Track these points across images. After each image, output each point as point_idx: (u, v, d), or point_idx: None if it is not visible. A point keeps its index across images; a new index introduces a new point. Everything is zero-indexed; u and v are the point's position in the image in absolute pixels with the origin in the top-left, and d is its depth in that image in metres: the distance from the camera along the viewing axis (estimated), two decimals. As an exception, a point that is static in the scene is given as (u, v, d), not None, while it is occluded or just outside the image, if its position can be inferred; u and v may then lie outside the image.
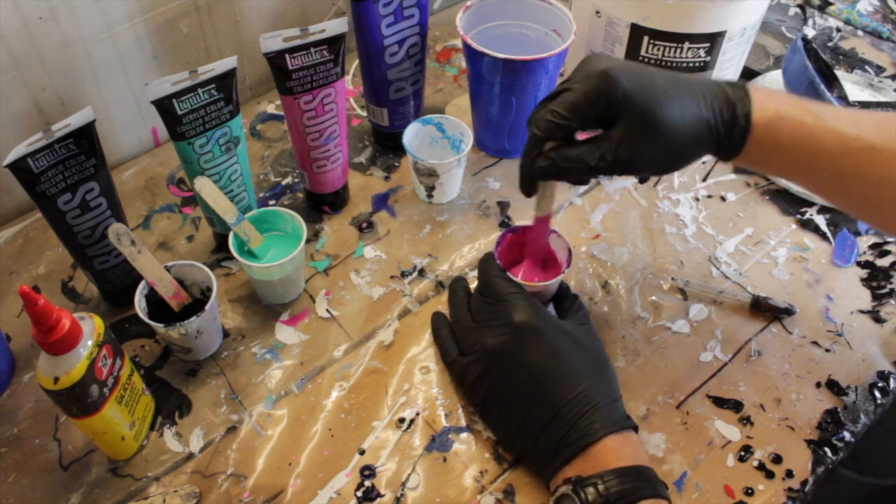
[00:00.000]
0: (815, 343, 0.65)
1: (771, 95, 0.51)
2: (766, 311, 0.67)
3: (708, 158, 0.80)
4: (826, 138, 0.50)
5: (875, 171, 0.50)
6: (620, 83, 0.49)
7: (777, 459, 0.58)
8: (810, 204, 0.75)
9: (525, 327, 0.55)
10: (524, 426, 0.54)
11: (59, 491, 0.55)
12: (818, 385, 0.62)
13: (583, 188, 0.77)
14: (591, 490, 0.48)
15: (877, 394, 0.62)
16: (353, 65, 0.90)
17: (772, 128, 0.50)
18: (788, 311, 0.66)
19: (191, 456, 0.58)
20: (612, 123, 0.51)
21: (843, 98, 0.81)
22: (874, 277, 0.70)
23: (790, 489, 0.56)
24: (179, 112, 0.58)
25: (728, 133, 0.51)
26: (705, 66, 0.72)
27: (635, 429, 0.53)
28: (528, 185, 0.56)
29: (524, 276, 0.62)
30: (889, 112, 0.52)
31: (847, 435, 0.59)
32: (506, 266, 0.60)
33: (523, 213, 0.75)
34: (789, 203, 0.76)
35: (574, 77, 0.52)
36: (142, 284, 0.59)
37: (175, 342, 0.60)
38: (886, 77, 0.90)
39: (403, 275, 0.69)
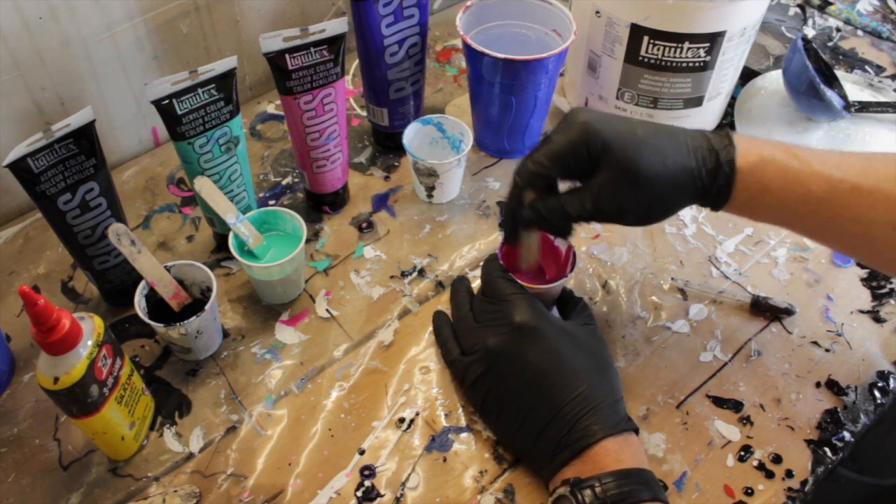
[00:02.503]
0: (815, 343, 0.65)
1: (755, 142, 0.52)
2: (766, 311, 0.67)
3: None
4: (812, 181, 0.50)
5: (864, 213, 0.50)
6: (600, 133, 0.50)
7: (777, 459, 0.58)
8: (810, 204, 0.75)
9: (526, 328, 0.55)
10: (524, 426, 0.54)
11: (59, 491, 0.55)
12: (818, 385, 0.62)
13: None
14: (588, 492, 0.48)
15: (877, 394, 0.62)
16: (353, 65, 0.90)
17: (757, 173, 0.51)
18: (788, 311, 0.66)
19: (191, 456, 0.58)
20: (590, 173, 0.52)
21: (843, 98, 0.81)
22: (874, 277, 0.70)
23: (790, 489, 0.56)
24: (179, 112, 0.58)
25: (712, 180, 0.51)
26: (705, 66, 0.72)
27: (636, 431, 0.53)
28: (512, 236, 0.58)
29: (527, 278, 0.62)
30: (873, 153, 0.52)
31: (847, 435, 0.59)
32: (508, 267, 0.60)
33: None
34: (789, 203, 0.76)
35: (556, 129, 0.53)
36: (142, 284, 0.59)
37: (175, 342, 0.60)
38: (886, 77, 0.90)
39: (403, 275, 0.69)
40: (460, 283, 0.65)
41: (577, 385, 0.53)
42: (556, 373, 0.53)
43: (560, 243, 0.63)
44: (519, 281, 0.59)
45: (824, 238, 0.55)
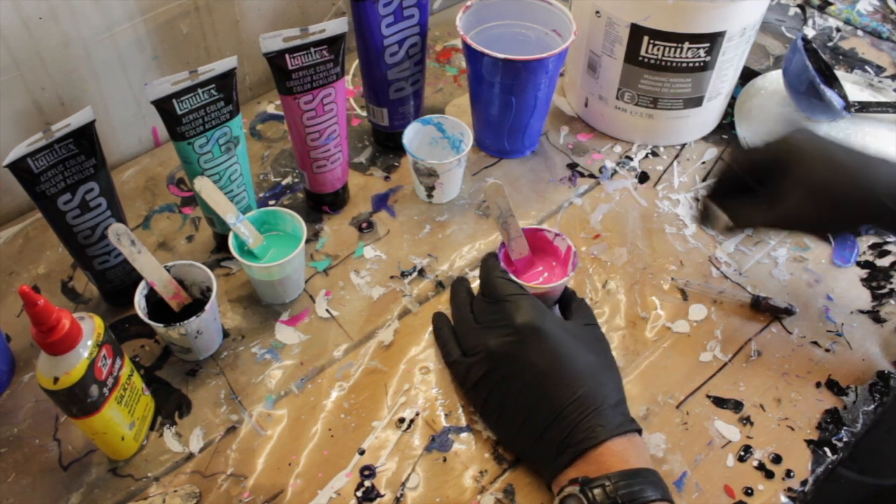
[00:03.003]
0: (815, 343, 0.65)
1: None
2: (765, 311, 0.67)
3: (708, 158, 0.80)
4: None
5: None
6: (801, 148, 0.53)
7: (777, 459, 0.58)
8: (810, 204, 0.75)
9: (527, 328, 0.55)
10: (525, 427, 0.54)
11: (59, 491, 0.55)
12: (818, 385, 0.62)
13: (583, 188, 0.77)
14: (598, 491, 0.48)
15: (877, 394, 0.62)
16: (353, 65, 0.90)
17: None
18: (788, 311, 0.66)
19: (191, 456, 0.58)
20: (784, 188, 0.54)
21: (843, 98, 0.81)
22: (874, 277, 0.70)
23: (790, 489, 0.56)
24: (179, 112, 0.58)
25: None
26: (705, 66, 0.72)
27: (639, 431, 0.53)
28: (705, 214, 0.60)
29: (527, 278, 0.62)
30: None
31: (847, 435, 0.59)
32: (508, 267, 0.60)
33: (523, 214, 0.75)
34: (789, 203, 0.76)
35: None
36: (142, 284, 0.59)
37: (175, 342, 0.60)
38: (886, 77, 0.90)
39: (403, 275, 0.69)
40: (460, 283, 0.65)
41: (579, 386, 0.53)
42: (558, 373, 0.53)
43: (560, 243, 0.63)
44: (519, 281, 0.59)
45: None
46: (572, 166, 0.79)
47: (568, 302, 0.63)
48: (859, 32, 0.97)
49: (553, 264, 0.64)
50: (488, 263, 0.61)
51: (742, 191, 0.57)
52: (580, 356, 0.55)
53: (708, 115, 0.79)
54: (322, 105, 0.65)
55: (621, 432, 0.51)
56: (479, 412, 0.59)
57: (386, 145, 0.81)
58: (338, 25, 0.62)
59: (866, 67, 0.91)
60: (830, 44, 0.95)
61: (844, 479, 0.91)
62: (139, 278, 0.59)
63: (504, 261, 0.60)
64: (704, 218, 0.60)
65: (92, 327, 0.50)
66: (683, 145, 0.81)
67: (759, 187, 0.56)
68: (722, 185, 0.59)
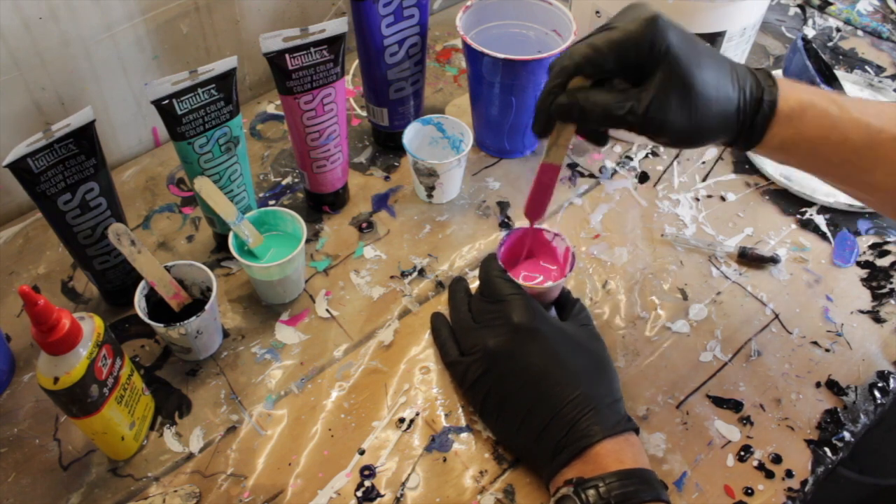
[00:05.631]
0: (815, 343, 0.65)
1: (795, 86, 0.50)
2: (752, 260, 0.69)
3: (708, 158, 0.80)
4: (851, 129, 0.49)
5: None
6: (668, 34, 0.46)
7: (777, 459, 0.58)
8: (810, 204, 0.75)
9: (524, 328, 0.55)
10: (524, 427, 0.54)
11: (59, 491, 0.55)
12: (818, 385, 0.62)
13: (583, 188, 0.77)
14: (591, 492, 0.48)
15: (877, 394, 0.62)
16: (353, 65, 0.90)
17: (794, 117, 0.49)
18: (774, 260, 0.69)
19: (191, 456, 0.58)
20: (644, 78, 0.47)
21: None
22: (874, 277, 0.70)
23: (790, 489, 0.56)
24: (179, 112, 0.58)
25: (752, 117, 0.49)
26: (705, 66, 0.72)
27: (636, 430, 0.53)
28: (543, 125, 0.51)
29: (526, 278, 0.62)
30: None
31: (847, 435, 0.59)
32: (508, 268, 0.60)
33: (523, 214, 0.74)
34: (789, 203, 0.76)
35: (618, 19, 0.49)
36: (142, 284, 0.59)
37: (175, 342, 0.60)
38: (886, 77, 0.90)
39: (403, 275, 0.69)
40: (458, 283, 0.65)
41: (576, 386, 0.53)
42: (555, 374, 0.53)
43: (558, 244, 0.63)
44: (518, 281, 0.59)
45: (854, 186, 0.53)
46: (572, 166, 0.79)
47: (565, 303, 0.63)
48: (859, 32, 0.97)
49: (551, 265, 0.64)
50: (487, 263, 0.61)
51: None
52: (577, 356, 0.55)
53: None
54: (322, 105, 0.65)
55: (618, 432, 0.51)
56: (477, 412, 0.59)
57: (386, 145, 0.81)
58: (338, 25, 0.62)
59: (866, 67, 0.91)
60: (830, 44, 0.95)
61: (844, 479, 0.91)
62: (139, 278, 0.59)
63: (503, 260, 0.60)
64: (545, 126, 0.51)
65: (92, 327, 0.50)
66: (683, 145, 0.81)
67: (619, 77, 0.49)
68: (566, 74, 0.49)
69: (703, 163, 0.79)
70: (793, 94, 0.50)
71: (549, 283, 0.61)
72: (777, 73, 0.85)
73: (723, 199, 0.76)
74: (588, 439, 0.50)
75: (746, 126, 0.50)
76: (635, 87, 0.48)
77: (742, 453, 0.58)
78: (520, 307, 0.56)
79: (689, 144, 0.50)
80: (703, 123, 0.48)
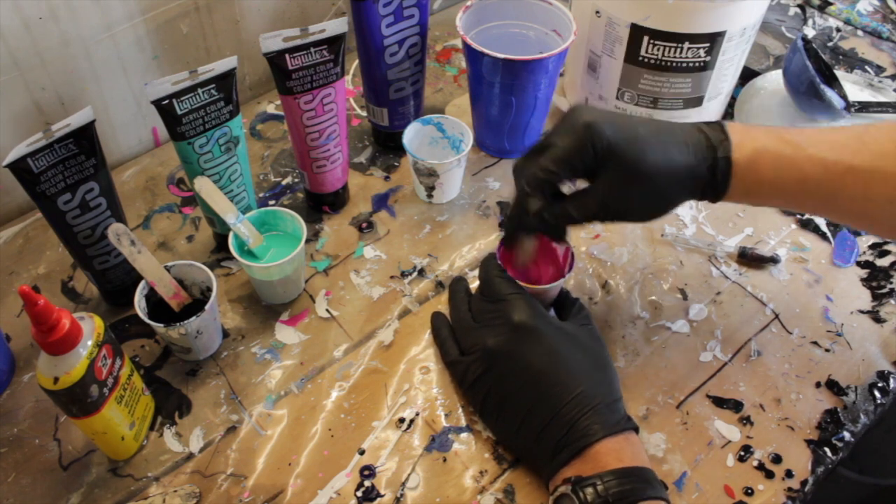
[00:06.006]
0: (815, 343, 0.65)
1: (748, 131, 0.53)
2: (752, 260, 0.69)
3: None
4: (807, 165, 0.51)
5: (860, 192, 0.51)
6: (604, 134, 0.50)
7: (777, 459, 0.58)
8: (810, 204, 0.75)
9: (524, 328, 0.55)
10: (523, 427, 0.54)
11: (59, 491, 0.55)
12: (818, 385, 0.62)
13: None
14: (590, 490, 0.48)
15: (877, 394, 0.62)
16: (353, 65, 0.90)
17: (752, 165, 0.52)
18: (774, 260, 0.69)
19: (191, 456, 0.58)
20: (596, 173, 0.52)
21: (843, 98, 0.81)
22: (874, 277, 0.70)
23: (790, 489, 0.56)
24: (179, 112, 0.58)
25: (711, 176, 0.52)
26: (705, 66, 0.72)
27: (636, 430, 0.53)
28: (511, 240, 0.58)
29: (526, 278, 0.62)
30: (866, 125, 0.53)
31: (847, 435, 0.59)
32: (507, 267, 0.60)
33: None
34: (789, 203, 0.76)
35: (557, 130, 0.53)
36: (142, 284, 0.59)
37: (175, 342, 0.60)
38: (886, 77, 0.90)
39: (403, 275, 0.69)
40: (458, 283, 0.65)
41: (575, 385, 0.53)
42: (555, 373, 0.54)
43: (561, 248, 0.63)
44: (517, 281, 0.59)
45: (824, 214, 0.57)
46: (572, 166, 0.79)
47: (564, 302, 0.63)
48: (859, 32, 0.97)
49: (551, 264, 0.64)
50: (487, 262, 0.61)
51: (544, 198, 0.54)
52: (577, 356, 0.55)
53: (708, 115, 0.79)
54: (322, 105, 0.65)
55: (617, 431, 0.51)
56: (477, 412, 0.59)
57: (386, 145, 0.81)
58: (338, 25, 0.62)
59: (866, 67, 0.91)
60: (830, 44, 0.95)
61: (844, 479, 0.91)
62: (139, 278, 0.59)
63: (502, 260, 0.60)
64: (516, 246, 0.58)
65: (92, 327, 0.50)
66: (683, 145, 0.81)
67: (576, 178, 0.54)
68: (526, 199, 0.54)
69: (703, 163, 0.79)
70: (746, 142, 0.52)
71: (549, 284, 0.61)
72: (777, 73, 0.85)
73: (723, 199, 0.76)
74: (587, 438, 0.51)
75: (708, 184, 0.53)
76: (591, 186, 0.53)
77: (742, 453, 0.58)
78: (519, 307, 0.56)
79: (656, 216, 0.54)
80: (663, 198, 0.53)
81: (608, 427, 0.51)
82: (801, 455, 0.58)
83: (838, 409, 0.61)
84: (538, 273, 0.63)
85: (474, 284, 0.66)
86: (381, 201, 0.76)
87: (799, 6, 1.00)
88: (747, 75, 0.85)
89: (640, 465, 0.50)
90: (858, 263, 0.71)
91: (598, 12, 0.72)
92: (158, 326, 0.57)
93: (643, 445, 0.55)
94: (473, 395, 0.58)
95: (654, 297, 0.68)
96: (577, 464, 0.51)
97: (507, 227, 0.58)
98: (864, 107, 0.81)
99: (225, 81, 0.59)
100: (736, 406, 0.61)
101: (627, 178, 0.51)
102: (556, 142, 0.52)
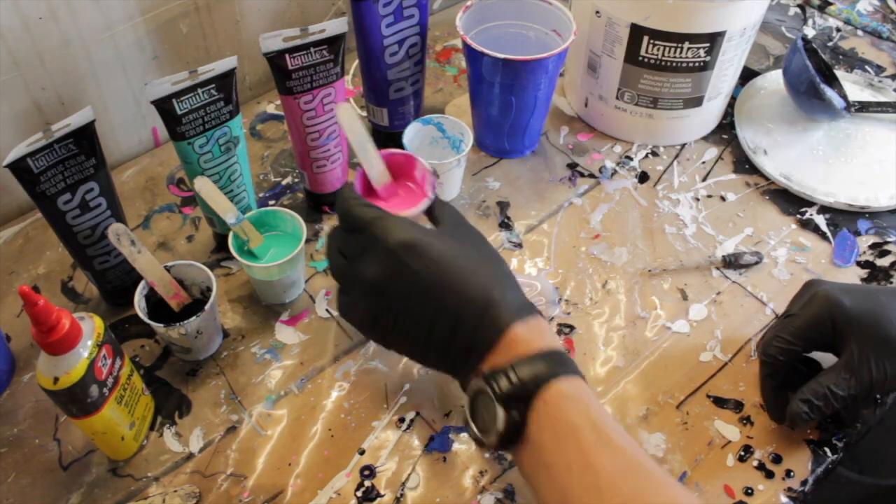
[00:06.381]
0: (815, 343, 0.65)
1: None
2: (738, 268, 0.70)
3: (708, 158, 0.80)
4: None
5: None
6: (842, 305, 0.55)
7: (777, 459, 0.58)
8: (810, 204, 0.75)
9: (401, 247, 0.50)
10: (431, 342, 0.50)
11: (59, 491, 0.55)
12: (818, 385, 0.62)
13: (583, 188, 0.77)
14: (503, 380, 0.45)
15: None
16: (353, 65, 0.90)
17: None
18: (758, 259, 0.70)
19: (190, 456, 0.58)
20: (838, 345, 0.56)
21: (843, 98, 0.81)
22: (874, 277, 0.70)
23: (790, 489, 0.56)
24: (179, 112, 0.58)
25: None
26: (705, 66, 0.72)
27: (539, 314, 0.50)
28: (777, 413, 0.60)
29: (388, 206, 0.56)
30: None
31: (847, 435, 0.59)
32: (366, 194, 0.56)
33: (523, 214, 0.74)
34: (789, 203, 0.76)
35: (796, 303, 0.59)
36: (142, 284, 0.59)
37: (175, 342, 0.60)
38: (886, 77, 0.90)
39: (403, 275, 0.69)
40: (329, 237, 0.57)
41: (468, 285, 0.49)
42: (446, 280, 0.50)
43: (419, 171, 0.60)
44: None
45: None
46: (572, 166, 0.79)
47: (431, 213, 0.57)
48: (859, 32, 0.97)
49: (411, 187, 0.60)
50: (342, 193, 0.54)
51: (793, 372, 0.59)
52: (461, 256, 0.51)
53: (708, 115, 0.79)
54: (322, 105, 0.65)
55: (521, 317, 0.48)
56: (388, 347, 0.54)
57: (386, 145, 0.81)
58: (338, 25, 0.62)
59: (866, 67, 0.91)
60: (830, 44, 0.95)
61: (844, 479, 0.91)
62: (139, 278, 0.59)
63: (363, 192, 0.58)
64: (783, 415, 0.59)
65: (92, 327, 0.50)
66: (683, 145, 0.81)
67: (814, 350, 0.59)
68: (776, 373, 0.60)
69: (703, 163, 0.79)
70: None
71: (413, 209, 0.56)
72: (777, 73, 0.85)
73: (723, 198, 0.76)
74: (496, 330, 0.48)
75: None
76: (842, 361, 0.56)
77: (742, 453, 0.58)
78: (389, 227, 0.51)
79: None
80: None
81: (511, 314, 0.48)
82: (801, 455, 0.58)
83: (838, 410, 0.61)
84: (400, 203, 0.60)
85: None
86: (381, 201, 0.76)
87: (799, 6, 1.00)
88: (747, 75, 0.85)
89: (552, 348, 0.47)
90: (858, 263, 0.71)
91: (597, 12, 0.72)
92: (158, 326, 0.58)
93: (551, 329, 0.53)
94: (374, 335, 0.54)
95: (654, 297, 0.68)
96: (490, 359, 0.48)
97: (771, 406, 0.61)
98: (864, 106, 0.81)
99: (225, 81, 0.59)
100: (736, 406, 0.61)
101: (879, 349, 0.54)
102: (796, 314, 0.57)
